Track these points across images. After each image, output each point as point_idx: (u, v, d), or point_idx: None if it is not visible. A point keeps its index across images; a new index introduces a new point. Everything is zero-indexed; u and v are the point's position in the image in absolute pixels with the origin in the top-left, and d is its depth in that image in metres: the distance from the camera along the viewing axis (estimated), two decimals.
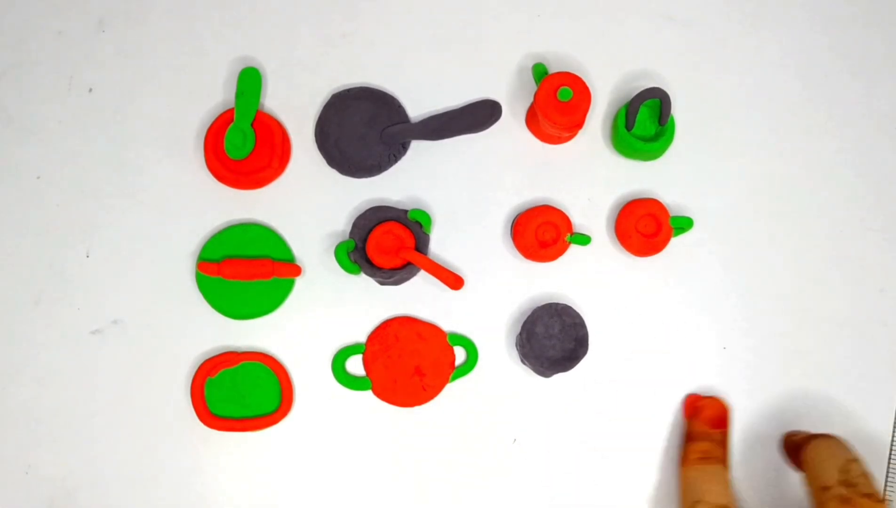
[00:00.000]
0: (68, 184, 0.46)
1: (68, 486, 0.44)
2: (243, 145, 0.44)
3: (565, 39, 0.47)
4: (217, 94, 0.46)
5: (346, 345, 0.44)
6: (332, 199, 0.45)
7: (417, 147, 0.46)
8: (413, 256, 0.43)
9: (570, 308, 0.44)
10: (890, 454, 0.44)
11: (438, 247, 0.45)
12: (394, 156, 0.45)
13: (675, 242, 0.45)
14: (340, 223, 0.45)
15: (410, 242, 0.44)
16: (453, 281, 0.44)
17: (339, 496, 0.44)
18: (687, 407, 0.44)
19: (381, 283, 0.45)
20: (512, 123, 0.46)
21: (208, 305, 0.44)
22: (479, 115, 0.45)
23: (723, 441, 0.42)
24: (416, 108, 0.46)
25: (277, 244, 0.45)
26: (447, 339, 0.44)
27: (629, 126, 0.44)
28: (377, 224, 0.44)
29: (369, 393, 0.44)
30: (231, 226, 0.45)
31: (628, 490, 0.44)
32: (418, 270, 0.44)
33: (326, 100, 0.46)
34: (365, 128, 0.45)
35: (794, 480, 0.44)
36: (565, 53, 0.46)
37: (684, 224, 0.44)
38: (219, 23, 0.47)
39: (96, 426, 0.44)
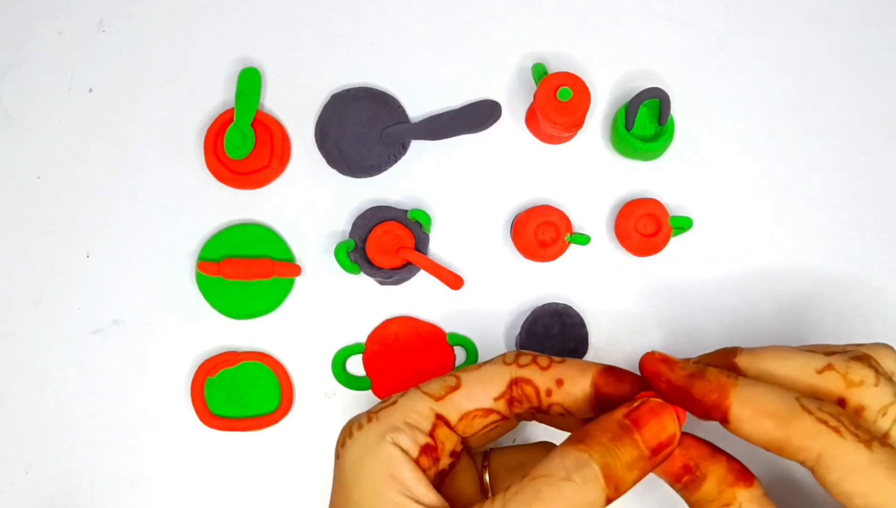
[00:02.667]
0: (68, 184, 0.46)
1: (68, 486, 0.44)
2: (243, 145, 0.45)
3: (565, 39, 0.47)
4: (217, 94, 0.46)
5: (346, 345, 0.45)
6: (332, 199, 0.45)
7: (417, 147, 0.46)
8: (413, 256, 0.43)
9: (570, 308, 0.44)
10: None
11: (438, 247, 0.45)
12: (394, 156, 0.45)
13: (675, 242, 0.45)
14: (340, 223, 0.45)
15: (410, 242, 0.44)
16: (453, 281, 0.44)
17: None
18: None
19: (381, 283, 0.45)
20: (512, 123, 0.46)
21: (208, 305, 0.44)
22: (479, 115, 0.45)
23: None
24: (416, 108, 0.46)
25: (277, 244, 0.45)
26: (447, 339, 0.44)
27: (629, 126, 0.44)
28: (377, 224, 0.44)
29: (369, 392, 0.44)
30: (231, 226, 0.45)
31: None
32: (418, 270, 0.44)
33: (326, 101, 0.46)
34: (365, 128, 0.45)
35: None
36: (565, 53, 0.46)
37: (684, 224, 0.44)
38: (219, 23, 0.47)
39: (96, 426, 0.44)
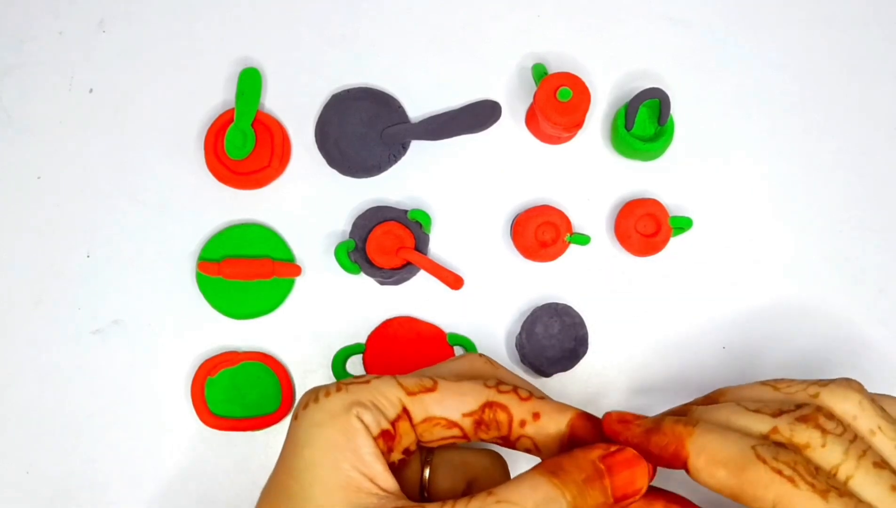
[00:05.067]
0: (68, 184, 0.46)
1: (68, 486, 0.44)
2: (243, 145, 0.45)
3: (565, 39, 0.47)
4: (217, 94, 0.46)
5: (346, 345, 0.44)
6: (332, 199, 0.45)
7: (417, 147, 0.46)
8: (413, 256, 0.43)
9: (570, 308, 0.44)
10: None
11: (438, 247, 0.45)
12: (394, 156, 0.45)
13: (675, 242, 0.45)
14: (340, 223, 0.45)
15: (410, 242, 0.44)
16: (453, 281, 0.44)
17: None
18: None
19: (381, 283, 0.45)
20: (512, 123, 0.46)
21: (209, 305, 0.44)
22: (479, 115, 0.45)
23: None
24: (416, 108, 0.46)
25: (277, 244, 0.45)
26: (447, 339, 0.44)
27: (629, 126, 0.44)
28: (377, 224, 0.44)
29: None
30: (231, 226, 0.45)
31: None
32: (418, 270, 0.44)
33: (326, 101, 0.46)
34: (365, 129, 0.45)
35: None
36: (565, 53, 0.46)
37: (684, 224, 0.44)
38: (219, 23, 0.47)
39: (96, 426, 0.44)
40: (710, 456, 0.30)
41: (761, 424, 0.31)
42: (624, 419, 0.32)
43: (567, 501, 0.29)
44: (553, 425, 0.32)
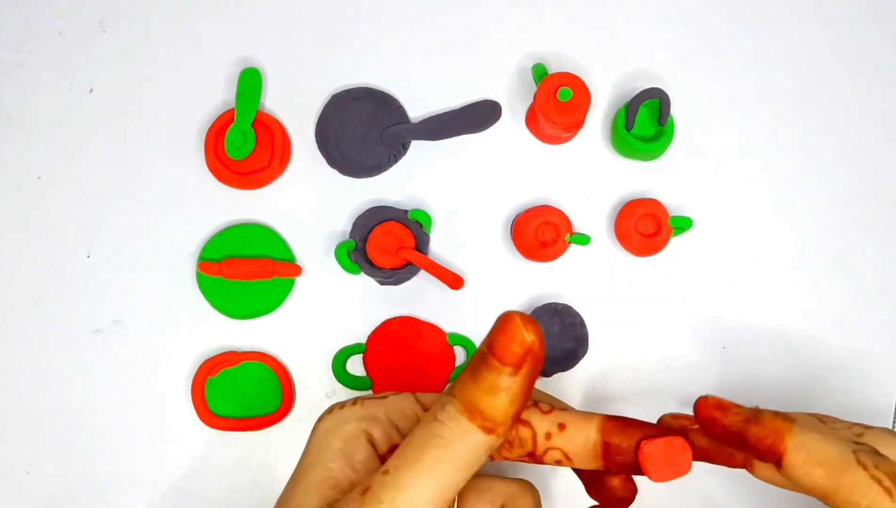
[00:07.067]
0: (68, 184, 0.46)
1: (68, 486, 0.44)
2: (244, 145, 0.45)
3: (565, 39, 0.47)
4: (217, 94, 0.46)
5: (346, 345, 0.45)
6: (332, 199, 0.45)
7: (417, 147, 0.46)
8: (413, 256, 0.43)
9: (570, 308, 0.44)
10: None
11: (438, 247, 0.45)
12: (394, 156, 0.46)
13: (675, 242, 0.45)
14: (340, 223, 0.45)
15: (410, 242, 0.44)
16: (453, 281, 0.44)
17: None
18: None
19: (381, 283, 0.45)
20: (512, 123, 0.46)
21: (209, 305, 0.45)
22: (479, 115, 0.45)
23: None
24: (416, 108, 0.46)
25: (277, 244, 0.45)
26: (447, 339, 0.44)
27: (629, 126, 0.44)
28: (377, 224, 0.44)
29: (369, 393, 0.44)
30: (231, 226, 0.45)
31: None
32: (418, 270, 0.44)
33: (327, 101, 0.46)
34: (365, 129, 0.45)
35: None
36: (565, 53, 0.46)
37: (684, 224, 0.44)
38: (219, 23, 0.47)
39: (96, 426, 0.44)
40: (809, 455, 0.30)
41: (849, 432, 0.32)
42: (722, 405, 0.32)
43: (456, 396, 0.28)
44: (580, 434, 0.32)
